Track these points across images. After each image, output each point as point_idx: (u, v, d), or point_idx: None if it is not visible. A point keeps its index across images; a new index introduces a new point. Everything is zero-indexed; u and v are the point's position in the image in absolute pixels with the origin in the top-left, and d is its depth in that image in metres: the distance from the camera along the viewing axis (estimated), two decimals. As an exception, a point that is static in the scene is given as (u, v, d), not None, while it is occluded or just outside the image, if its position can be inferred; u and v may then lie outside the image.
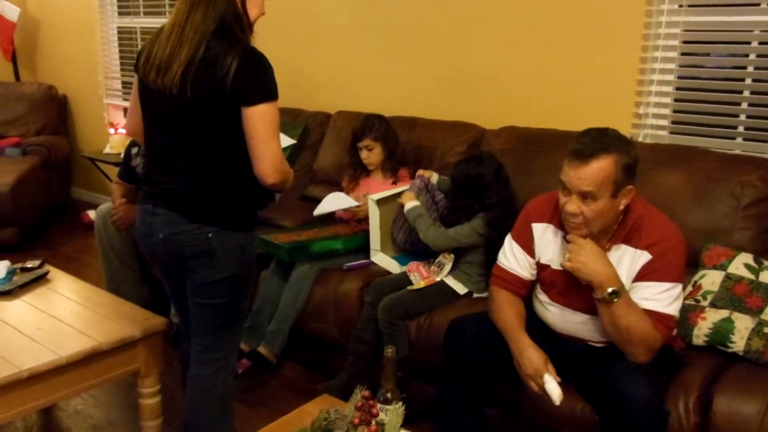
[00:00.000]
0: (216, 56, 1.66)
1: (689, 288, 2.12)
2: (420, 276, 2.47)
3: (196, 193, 1.78)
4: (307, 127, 2.30)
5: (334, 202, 2.84)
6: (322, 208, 2.84)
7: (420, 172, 2.69)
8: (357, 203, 2.81)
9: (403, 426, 1.32)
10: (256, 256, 1.94)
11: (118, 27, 4.90)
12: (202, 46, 1.67)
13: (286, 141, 2.06)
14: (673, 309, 1.78)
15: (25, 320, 2.13)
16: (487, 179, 2.41)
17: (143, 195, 1.89)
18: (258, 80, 1.69)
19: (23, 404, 1.87)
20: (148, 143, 1.88)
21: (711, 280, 2.09)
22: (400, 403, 1.42)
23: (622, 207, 1.79)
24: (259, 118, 1.69)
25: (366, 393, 1.32)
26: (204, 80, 1.67)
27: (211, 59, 1.67)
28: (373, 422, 1.23)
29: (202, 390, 1.95)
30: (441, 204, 2.65)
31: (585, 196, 1.73)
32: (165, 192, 1.79)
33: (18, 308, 2.22)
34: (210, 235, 1.77)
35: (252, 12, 1.79)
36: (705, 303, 2.06)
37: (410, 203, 2.55)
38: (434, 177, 2.69)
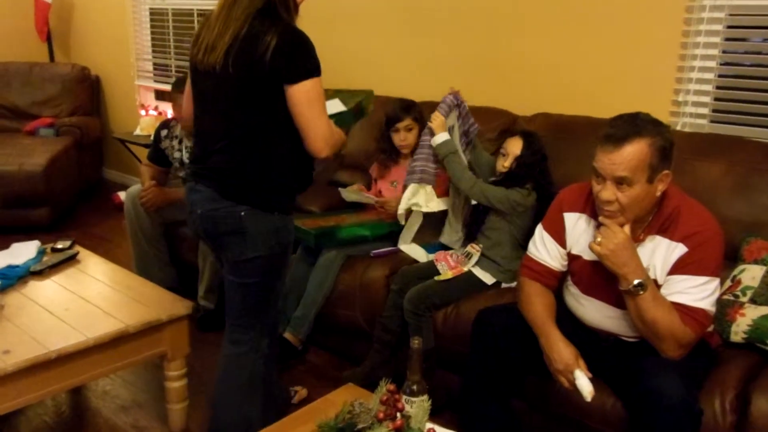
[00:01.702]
0: (257, 34, 1.70)
1: (728, 283, 2.05)
2: (447, 266, 2.43)
3: (234, 172, 1.81)
4: (366, 99, 2.26)
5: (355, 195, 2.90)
6: (347, 196, 2.88)
7: (453, 88, 2.53)
8: (374, 199, 2.82)
9: (428, 420, 1.30)
10: (292, 241, 1.94)
11: (150, 8, 4.92)
12: (246, 25, 1.71)
13: (335, 107, 2.07)
14: (706, 303, 1.72)
15: (55, 300, 2.15)
16: (545, 161, 2.41)
17: (189, 174, 1.94)
18: (298, 58, 1.71)
19: (52, 384, 1.90)
20: (197, 124, 1.92)
21: (751, 275, 2.02)
22: (426, 396, 1.39)
23: (658, 194, 1.73)
24: (302, 96, 1.72)
25: (391, 387, 1.29)
26: (245, 57, 1.71)
27: (253, 37, 1.70)
28: (399, 416, 1.21)
29: (231, 370, 1.97)
30: (473, 129, 2.55)
31: (620, 182, 1.68)
32: (208, 170, 1.84)
33: (48, 288, 2.25)
34: (242, 213, 1.80)
35: None
36: (744, 299, 1.98)
37: (441, 135, 2.41)
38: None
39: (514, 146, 2.38)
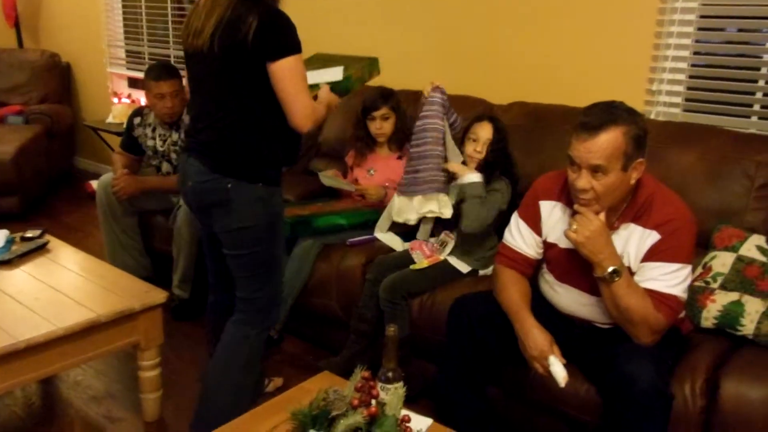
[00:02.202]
0: (240, 16, 1.77)
1: (699, 269, 2.08)
2: (423, 255, 2.43)
3: (221, 145, 1.89)
4: (371, 66, 2.31)
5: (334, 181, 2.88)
6: (326, 181, 2.86)
7: (435, 82, 2.46)
8: (353, 187, 2.81)
9: (403, 405, 1.30)
10: (281, 212, 1.99)
11: (122, -6, 4.83)
12: (230, 9, 1.78)
13: (334, 75, 2.11)
14: (678, 290, 1.74)
15: (24, 290, 2.11)
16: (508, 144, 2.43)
17: (183, 147, 2.04)
18: (279, 36, 1.78)
19: (21, 375, 1.87)
20: (191, 105, 2.06)
21: (722, 261, 2.05)
22: (401, 383, 1.39)
23: (633, 182, 1.74)
24: (284, 73, 1.78)
25: (366, 374, 1.29)
26: (229, 39, 1.78)
27: (236, 19, 1.77)
28: (373, 403, 1.20)
29: (230, 339, 2.00)
30: (457, 125, 2.52)
31: (595, 170, 1.69)
32: (198, 144, 1.92)
33: (17, 278, 2.21)
34: (229, 185, 1.87)
35: None
36: (715, 285, 2.01)
37: (472, 175, 2.33)
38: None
39: (484, 131, 2.38)
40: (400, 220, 2.51)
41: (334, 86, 2.07)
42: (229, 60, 1.80)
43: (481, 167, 2.39)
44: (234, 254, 1.95)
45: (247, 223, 1.90)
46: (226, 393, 1.98)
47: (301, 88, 1.82)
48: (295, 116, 1.83)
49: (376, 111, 2.79)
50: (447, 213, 2.40)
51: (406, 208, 2.47)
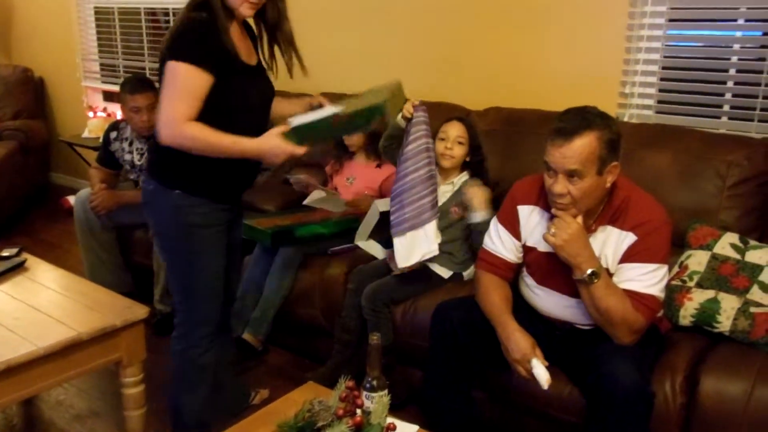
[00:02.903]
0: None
1: (675, 269, 2.12)
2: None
3: (151, 151, 1.93)
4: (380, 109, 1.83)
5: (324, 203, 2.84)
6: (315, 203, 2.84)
7: (415, 101, 2.24)
8: (344, 202, 2.78)
9: (388, 414, 1.31)
10: (202, 224, 1.86)
11: (95, 7, 4.78)
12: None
13: (325, 112, 1.80)
14: (656, 290, 1.77)
15: (2, 310, 2.08)
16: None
17: None
18: (177, 39, 1.73)
19: (2, 396, 1.83)
20: None
21: (697, 260, 2.09)
22: (386, 391, 1.40)
23: (608, 185, 1.77)
24: (166, 74, 1.73)
25: (350, 383, 1.29)
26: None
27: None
28: (358, 412, 1.21)
29: (172, 353, 2.02)
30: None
31: (571, 175, 1.71)
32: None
33: (-6, 298, 2.17)
34: (150, 188, 1.89)
35: None
36: (691, 283, 2.05)
37: (484, 212, 2.25)
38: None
39: (453, 129, 2.39)
40: (407, 264, 2.27)
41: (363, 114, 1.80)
42: (160, 64, 1.79)
43: (463, 168, 2.41)
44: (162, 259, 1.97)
45: (157, 228, 1.93)
46: (170, 404, 2.03)
47: (172, 96, 1.72)
48: (157, 123, 1.75)
49: None
50: (435, 248, 2.23)
51: (408, 252, 2.25)
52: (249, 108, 1.87)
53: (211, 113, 1.74)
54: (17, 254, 2.47)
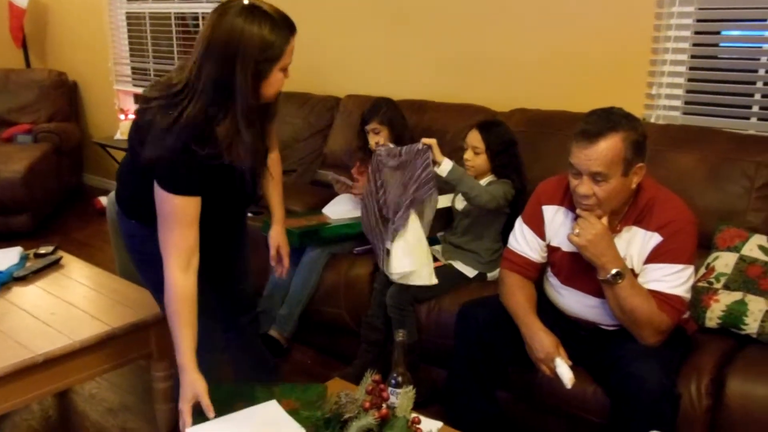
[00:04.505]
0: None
1: (702, 270, 2.11)
2: None
3: (117, 173, 1.89)
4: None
5: (344, 207, 2.84)
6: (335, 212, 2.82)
7: (425, 140, 2.30)
8: (349, 182, 2.81)
9: (413, 410, 1.33)
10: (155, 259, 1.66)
11: (127, 12, 4.89)
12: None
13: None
14: (681, 290, 1.76)
15: (39, 305, 2.15)
16: (515, 146, 2.45)
17: None
18: (163, 166, 1.57)
19: (39, 388, 1.90)
20: None
21: (724, 262, 2.07)
22: (411, 387, 1.42)
23: (634, 186, 1.77)
24: (156, 193, 1.60)
25: (376, 377, 1.32)
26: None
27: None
28: (384, 406, 1.23)
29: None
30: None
31: (596, 177, 1.72)
32: None
33: (32, 294, 2.25)
34: (117, 213, 1.88)
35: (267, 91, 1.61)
36: (718, 285, 2.04)
37: (447, 163, 2.28)
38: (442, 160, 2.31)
39: (471, 138, 2.43)
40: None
41: None
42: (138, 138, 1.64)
43: (489, 174, 2.44)
44: None
45: (131, 255, 1.89)
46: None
47: (164, 227, 1.60)
48: (164, 247, 1.61)
49: (367, 125, 2.82)
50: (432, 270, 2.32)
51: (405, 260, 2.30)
52: (238, 191, 1.75)
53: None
54: (53, 252, 2.55)
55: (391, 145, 2.39)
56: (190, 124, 1.51)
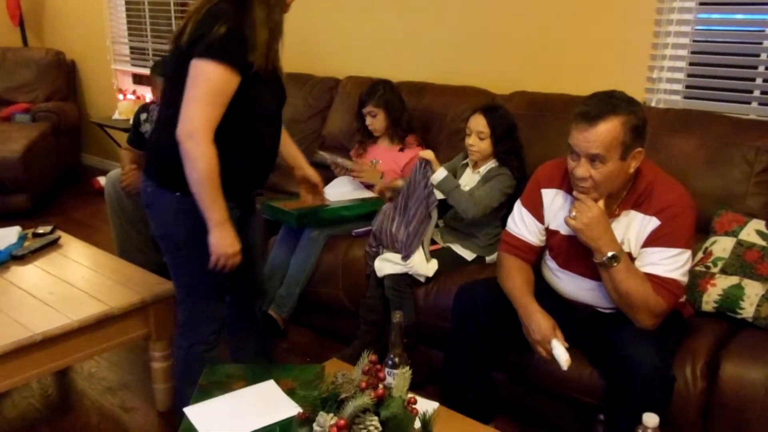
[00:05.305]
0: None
1: (700, 254, 2.11)
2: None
3: (149, 149, 1.87)
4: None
5: (343, 189, 2.84)
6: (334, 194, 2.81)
7: (422, 154, 2.37)
8: (349, 163, 2.81)
9: (409, 390, 1.34)
10: (204, 229, 1.73)
11: (125, -9, 4.86)
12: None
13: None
14: (678, 274, 1.77)
15: (38, 285, 2.16)
16: (516, 130, 2.45)
17: None
18: (208, 33, 1.61)
19: (37, 367, 1.92)
20: None
21: (722, 246, 2.08)
22: (407, 368, 1.43)
23: (632, 170, 1.77)
24: (195, 73, 1.62)
25: (373, 357, 1.33)
26: (185, 32, 1.68)
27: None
28: (380, 386, 1.24)
29: (176, 349, 1.98)
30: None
31: (593, 159, 1.71)
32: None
33: (30, 273, 2.25)
34: (149, 189, 1.81)
35: None
36: (715, 269, 2.04)
37: (440, 172, 2.33)
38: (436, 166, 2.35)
39: (475, 122, 2.42)
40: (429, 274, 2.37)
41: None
42: (178, 57, 1.68)
43: (491, 159, 2.44)
44: (166, 260, 1.89)
45: (162, 230, 1.82)
46: (177, 402, 1.94)
47: (202, 100, 1.62)
48: (179, 124, 1.64)
49: (364, 108, 2.82)
50: (429, 270, 2.34)
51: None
52: (266, 115, 1.81)
53: (228, 119, 1.67)
54: (51, 232, 2.55)
55: (400, 183, 2.48)
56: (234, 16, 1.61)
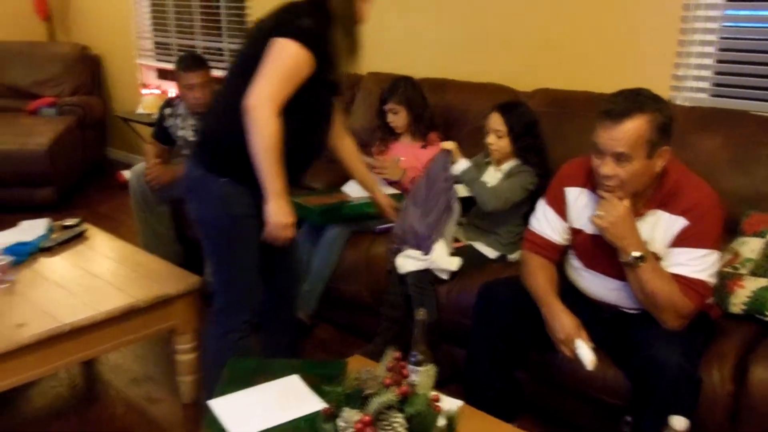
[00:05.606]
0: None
1: (728, 255, 2.08)
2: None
3: (200, 134, 1.93)
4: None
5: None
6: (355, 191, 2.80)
7: (444, 144, 2.40)
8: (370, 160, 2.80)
9: (433, 388, 1.34)
10: (249, 214, 1.83)
11: (150, -14, 4.90)
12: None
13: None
14: (706, 275, 1.75)
15: (65, 276, 2.19)
16: (537, 126, 2.43)
17: None
18: (298, 18, 1.73)
19: (65, 357, 1.95)
20: None
21: (751, 247, 2.05)
22: (432, 365, 1.43)
23: (658, 169, 1.75)
24: (276, 49, 1.70)
25: (397, 354, 1.33)
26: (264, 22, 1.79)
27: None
28: (404, 383, 1.24)
29: (209, 338, 2.02)
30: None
31: (619, 158, 1.70)
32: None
33: (58, 265, 2.29)
34: (196, 174, 1.86)
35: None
36: (744, 271, 2.02)
37: (462, 163, 2.35)
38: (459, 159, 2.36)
39: (492, 121, 2.41)
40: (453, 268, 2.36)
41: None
42: (250, 44, 1.78)
43: (512, 156, 2.42)
44: (203, 246, 1.93)
45: (200, 215, 1.87)
46: (206, 392, 1.95)
47: (272, 74, 1.69)
48: (249, 93, 1.70)
49: (386, 104, 2.81)
50: (451, 264, 2.33)
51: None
52: (323, 113, 1.89)
53: (291, 105, 1.74)
54: (78, 224, 2.59)
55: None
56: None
